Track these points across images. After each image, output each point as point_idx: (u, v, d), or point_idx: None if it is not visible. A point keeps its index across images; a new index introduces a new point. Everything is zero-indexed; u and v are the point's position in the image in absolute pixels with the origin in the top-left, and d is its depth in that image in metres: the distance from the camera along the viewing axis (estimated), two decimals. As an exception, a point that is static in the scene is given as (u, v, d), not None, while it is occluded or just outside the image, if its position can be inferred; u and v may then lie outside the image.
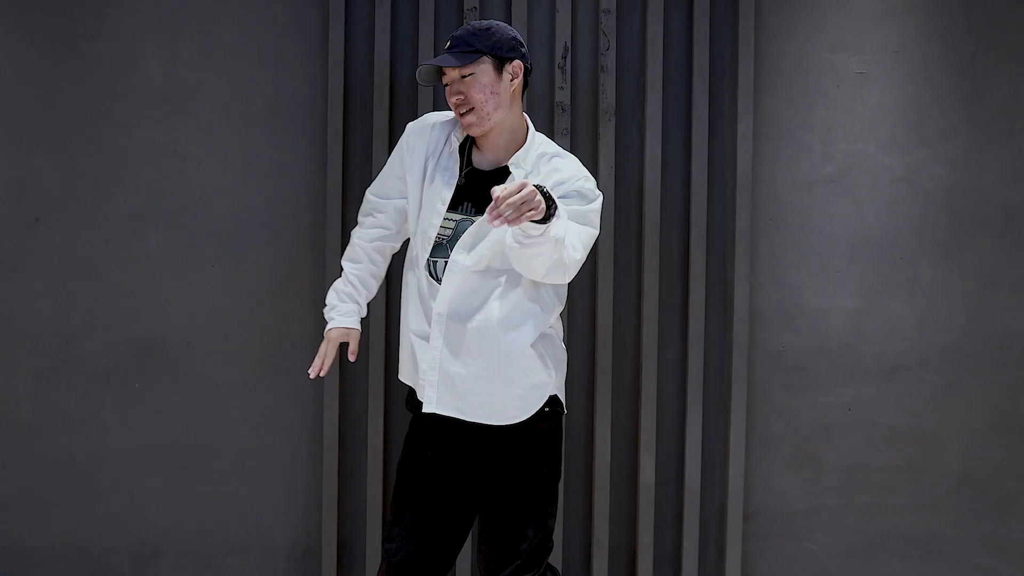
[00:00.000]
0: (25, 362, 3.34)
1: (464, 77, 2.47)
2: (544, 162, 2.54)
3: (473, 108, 2.47)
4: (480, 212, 2.48)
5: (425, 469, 2.58)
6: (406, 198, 2.65)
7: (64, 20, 3.32)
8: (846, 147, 3.41)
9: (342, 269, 2.78)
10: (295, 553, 3.39)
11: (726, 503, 3.36)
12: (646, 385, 3.31)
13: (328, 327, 2.72)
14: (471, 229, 2.48)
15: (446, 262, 2.49)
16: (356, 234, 2.79)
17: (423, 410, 2.53)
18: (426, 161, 2.59)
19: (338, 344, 2.70)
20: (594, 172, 3.28)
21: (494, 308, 2.46)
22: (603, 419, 3.31)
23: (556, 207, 2.27)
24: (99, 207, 3.34)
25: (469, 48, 2.47)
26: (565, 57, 3.28)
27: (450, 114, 2.64)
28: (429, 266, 2.52)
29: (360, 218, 2.81)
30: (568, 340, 3.29)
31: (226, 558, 3.38)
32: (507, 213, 2.11)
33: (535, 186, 2.19)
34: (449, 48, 2.50)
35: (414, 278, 2.58)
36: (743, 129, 3.32)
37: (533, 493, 2.54)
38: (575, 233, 2.41)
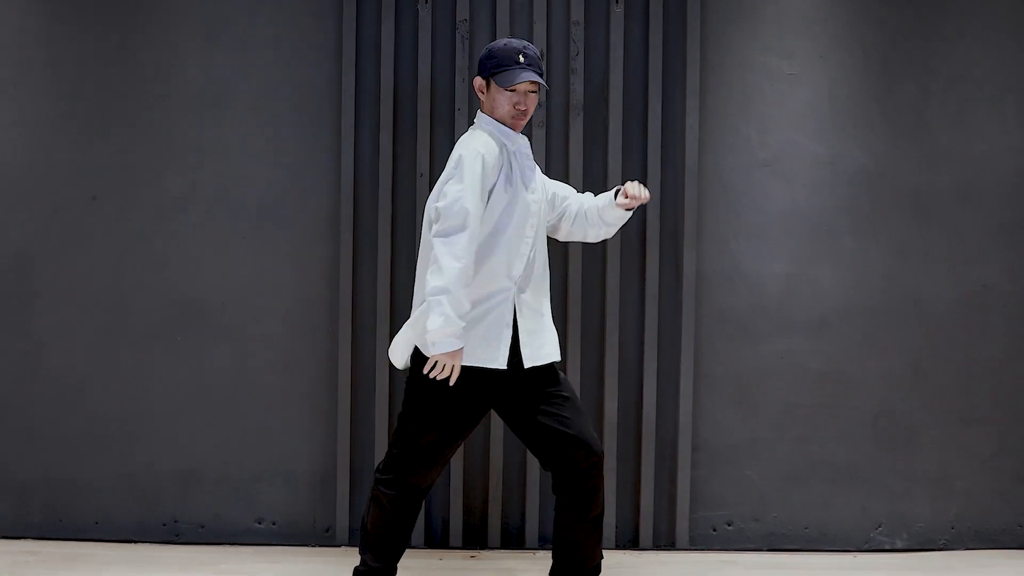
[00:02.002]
0: (85, 320, 3.89)
1: (531, 92, 2.94)
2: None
3: (525, 114, 2.96)
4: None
5: (474, 422, 3.00)
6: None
7: (118, 30, 3.88)
8: (779, 137, 3.90)
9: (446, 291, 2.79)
10: (314, 480, 3.91)
11: (677, 436, 3.86)
12: (609, 337, 3.86)
13: (453, 348, 2.80)
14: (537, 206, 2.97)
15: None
16: (468, 248, 2.80)
17: (525, 366, 2.91)
18: (499, 171, 2.92)
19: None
20: (565, 158, 3.86)
21: (542, 272, 3.01)
22: (573, 365, 3.86)
23: None
24: (148, 189, 3.88)
25: (540, 72, 2.95)
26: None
27: (485, 139, 2.93)
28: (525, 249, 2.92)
29: (458, 235, 2.79)
30: (545, 301, 3.86)
31: (255, 484, 3.91)
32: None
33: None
34: (528, 64, 2.90)
35: (510, 266, 2.90)
36: (691, 122, 3.84)
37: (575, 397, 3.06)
38: None
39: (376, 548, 3.02)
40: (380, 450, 3.83)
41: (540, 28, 3.85)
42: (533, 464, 3.83)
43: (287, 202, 3.89)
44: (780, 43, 3.92)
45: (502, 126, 2.97)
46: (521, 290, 2.94)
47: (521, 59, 2.92)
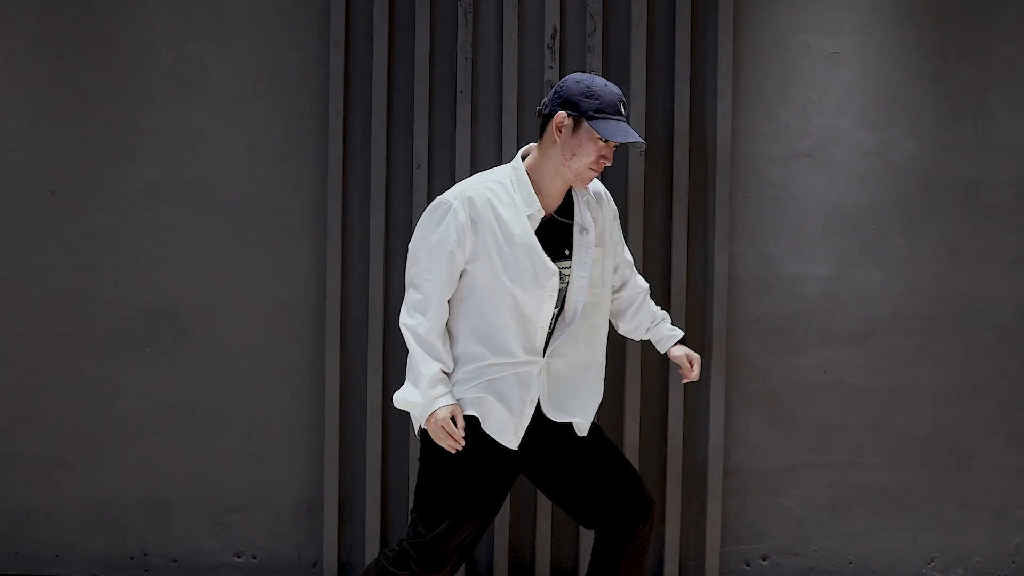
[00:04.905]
0: (43, 328, 3.51)
1: (616, 145, 2.65)
2: (600, 200, 2.78)
3: (598, 172, 2.64)
4: (571, 258, 2.67)
5: (496, 499, 2.68)
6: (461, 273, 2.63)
7: (77, 4, 3.48)
8: (821, 123, 3.54)
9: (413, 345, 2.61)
10: (299, 509, 3.55)
11: (707, 461, 3.50)
12: (630, 348, 3.47)
13: (437, 408, 2.57)
14: (583, 280, 2.66)
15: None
16: (427, 331, 2.58)
17: (554, 420, 2.67)
18: (498, 229, 2.59)
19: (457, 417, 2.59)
20: (582, 147, 3.45)
21: (588, 337, 2.75)
22: (590, 380, 3.47)
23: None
24: (113, 181, 3.50)
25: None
26: (554, 38, 3.44)
27: (475, 185, 2.63)
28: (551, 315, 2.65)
29: (419, 316, 2.60)
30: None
31: (233, 514, 3.54)
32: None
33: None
34: (625, 118, 2.62)
35: (520, 332, 2.61)
36: (723, 107, 3.46)
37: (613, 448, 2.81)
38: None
39: None
40: (372, 475, 3.47)
41: (553, 0, 3.45)
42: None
43: (268, 196, 3.53)
44: (822, 18, 3.54)
45: (529, 187, 2.63)
46: (554, 356, 2.67)
47: (622, 109, 2.63)
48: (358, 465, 3.51)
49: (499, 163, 3.43)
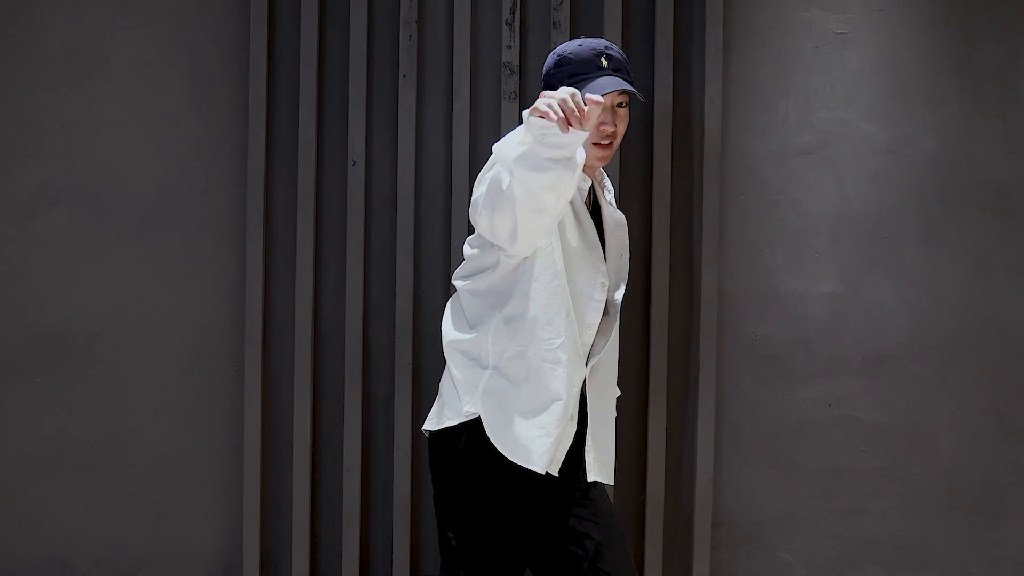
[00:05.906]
0: (-87, 354, 3.05)
1: (619, 106, 2.30)
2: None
3: (612, 142, 2.32)
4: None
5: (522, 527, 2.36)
6: None
7: (-42, -26, 3.05)
8: (825, 115, 3.16)
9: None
10: (214, 568, 3.10)
11: (693, 509, 3.09)
12: (604, 378, 3.03)
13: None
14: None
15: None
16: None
17: (590, 478, 2.36)
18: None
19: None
20: (546, 142, 3.02)
21: (610, 364, 2.44)
22: (556, 416, 3.02)
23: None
24: None
25: (629, 78, 2.31)
26: (513, 13, 3.01)
27: None
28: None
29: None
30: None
31: (138, 572, 3.08)
32: None
33: None
34: (615, 69, 2.28)
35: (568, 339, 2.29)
36: (711, 94, 3.05)
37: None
38: None
39: None
40: (299, 528, 3.03)
41: (512, -31, 3.02)
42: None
43: (178, 199, 3.09)
44: (827, -8, 3.16)
45: None
46: (591, 377, 2.37)
47: (604, 63, 2.30)
48: (283, 514, 3.07)
49: (448, 157, 3.00)
